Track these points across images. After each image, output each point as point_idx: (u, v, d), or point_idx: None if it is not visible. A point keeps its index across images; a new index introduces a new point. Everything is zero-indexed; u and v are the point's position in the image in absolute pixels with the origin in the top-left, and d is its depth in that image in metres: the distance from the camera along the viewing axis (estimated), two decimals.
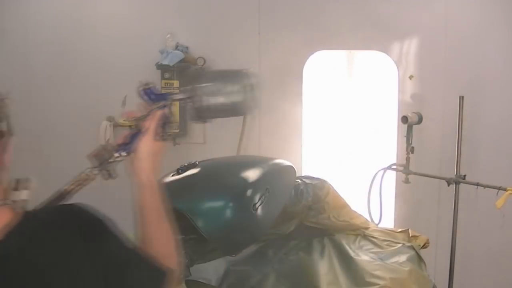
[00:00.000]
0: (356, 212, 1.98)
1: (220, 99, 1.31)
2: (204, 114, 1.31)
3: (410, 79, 2.99)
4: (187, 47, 3.32)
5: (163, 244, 1.12)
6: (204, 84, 1.30)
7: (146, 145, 1.17)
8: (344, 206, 1.93)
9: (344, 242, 1.82)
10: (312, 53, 3.14)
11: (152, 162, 1.17)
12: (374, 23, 2.99)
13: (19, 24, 3.64)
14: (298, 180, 1.83)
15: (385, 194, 2.91)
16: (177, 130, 3.31)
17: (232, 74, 1.36)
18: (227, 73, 1.38)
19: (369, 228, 1.99)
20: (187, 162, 1.62)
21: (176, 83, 3.23)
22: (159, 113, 1.20)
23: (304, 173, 2.72)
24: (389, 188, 3.00)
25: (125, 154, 1.18)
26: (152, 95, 1.23)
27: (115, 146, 1.19)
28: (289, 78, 3.19)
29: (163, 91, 3.38)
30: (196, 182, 1.55)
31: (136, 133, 1.19)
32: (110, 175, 1.18)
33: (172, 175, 1.60)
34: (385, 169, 2.86)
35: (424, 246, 1.94)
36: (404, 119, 2.77)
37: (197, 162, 1.63)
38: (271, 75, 3.23)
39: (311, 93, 3.25)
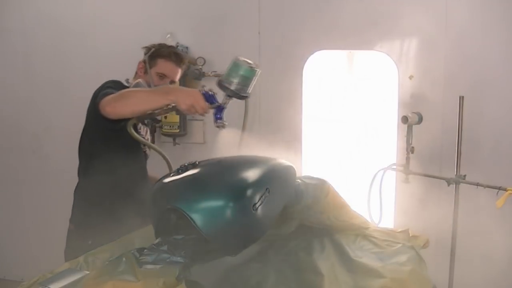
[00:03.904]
0: (356, 212, 1.98)
1: (241, 83, 1.85)
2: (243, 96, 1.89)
3: (410, 79, 2.99)
4: (187, 47, 3.32)
5: None
6: (228, 82, 1.85)
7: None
8: (344, 206, 1.92)
9: (344, 242, 1.82)
10: (312, 53, 3.14)
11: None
12: (374, 23, 2.99)
13: (19, 24, 3.64)
14: (298, 180, 1.83)
15: (385, 194, 2.91)
16: (177, 130, 3.32)
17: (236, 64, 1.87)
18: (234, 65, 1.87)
19: (369, 228, 1.99)
20: (187, 162, 1.62)
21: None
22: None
23: (304, 173, 2.72)
24: (389, 188, 3.00)
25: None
26: (207, 98, 1.87)
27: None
28: (289, 78, 3.19)
29: None
30: (196, 182, 1.55)
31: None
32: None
33: (172, 175, 1.60)
34: (385, 169, 2.86)
35: (424, 246, 1.93)
36: (404, 119, 2.77)
37: (197, 162, 1.63)
38: (271, 75, 3.23)
39: (311, 93, 3.25)
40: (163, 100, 1.85)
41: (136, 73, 2.40)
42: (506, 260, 2.91)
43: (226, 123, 1.94)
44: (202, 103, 1.84)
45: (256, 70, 1.88)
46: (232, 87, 1.85)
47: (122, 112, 1.89)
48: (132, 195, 2.16)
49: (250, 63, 1.87)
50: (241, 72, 1.85)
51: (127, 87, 2.27)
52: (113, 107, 1.88)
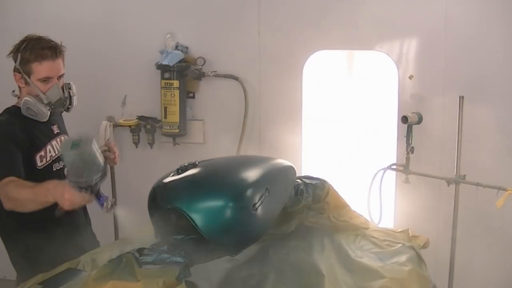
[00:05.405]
0: (356, 212, 1.98)
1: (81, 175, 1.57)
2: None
3: (410, 79, 2.99)
4: (187, 47, 3.32)
5: None
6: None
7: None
8: (344, 206, 1.92)
9: (344, 242, 1.82)
10: (312, 53, 3.14)
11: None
12: (374, 23, 2.99)
13: (19, 24, 3.63)
14: (298, 180, 1.83)
15: (385, 194, 2.91)
16: (177, 130, 3.32)
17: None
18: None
19: (369, 228, 1.99)
20: (187, 162, 1.62)
21: (176, 83, 3.24)
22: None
23: (304, 173, 2.73)
24: (389, 188, 3.00)
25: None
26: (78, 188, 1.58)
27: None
28: (289, 78, 3.19)
29: (163, 92, 3.38)
30: (196, 182, 1.55)
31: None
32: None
33: (172, 175, 1.60)
34: (385, 169, 2.86)
35: (424, 246, 1.94)
36: (404, 119, 2.77)
37: (197, 162, 1.63)
38: (271, 75, 3.23)
39: (311, 93, 3.25)
40: (47, 202, 1.69)
41: (19, 86, 2.08)
42: (506, 260, 2.92)
43: (112, 200, 1.67)
44: (77, 196, 1.58)
45: (90, 152, 1.56)
46: (83, 184, 1.58)
47: (21, 210, 1.77)
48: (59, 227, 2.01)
49: (87, 152, 1.55)
50: (77, 165, 1.55)
51: (13, 134, 1.98)
52: (12, 208, 1.77)
